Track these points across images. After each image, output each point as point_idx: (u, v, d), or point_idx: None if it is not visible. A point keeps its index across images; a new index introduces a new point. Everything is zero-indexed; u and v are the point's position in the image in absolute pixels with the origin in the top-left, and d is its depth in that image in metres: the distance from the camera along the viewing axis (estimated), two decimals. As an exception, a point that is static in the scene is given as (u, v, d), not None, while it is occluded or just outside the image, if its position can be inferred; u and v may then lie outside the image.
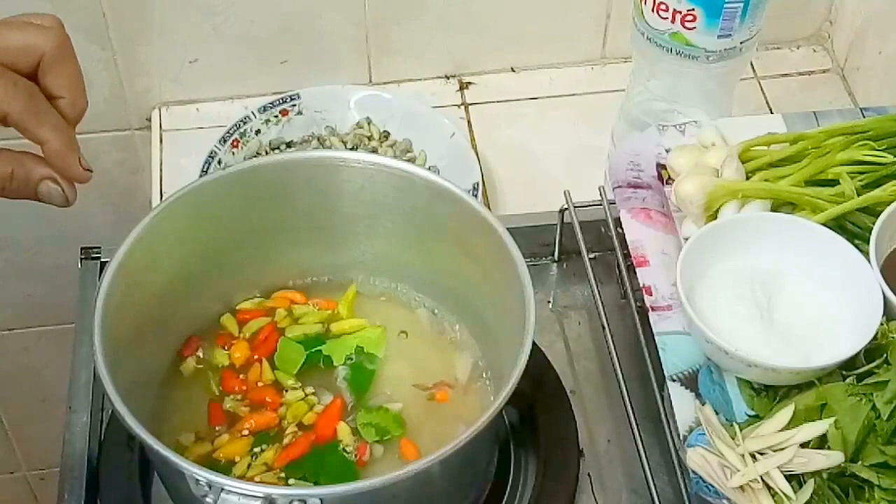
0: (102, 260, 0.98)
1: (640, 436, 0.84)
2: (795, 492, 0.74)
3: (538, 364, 0.91)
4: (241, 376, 0.86)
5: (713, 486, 0.76)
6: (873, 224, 0.84)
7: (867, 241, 0.83)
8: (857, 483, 0.75)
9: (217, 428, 0.83)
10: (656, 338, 0.84)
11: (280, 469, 0.80)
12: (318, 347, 0.87)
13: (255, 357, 0.87)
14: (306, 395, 0.85)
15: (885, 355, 0.78)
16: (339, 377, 0.86)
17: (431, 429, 0.84)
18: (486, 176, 1.10)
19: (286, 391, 0.85)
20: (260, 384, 0.85)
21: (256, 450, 0.82)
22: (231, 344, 0.87)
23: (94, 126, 1.18)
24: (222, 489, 0.68)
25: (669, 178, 0.93)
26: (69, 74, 0.66)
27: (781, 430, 0.77)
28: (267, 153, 1.10)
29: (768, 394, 0.80)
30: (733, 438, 0.78)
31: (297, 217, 0.88)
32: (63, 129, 0.66)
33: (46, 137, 0.66)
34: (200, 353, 0.87)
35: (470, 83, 1.21)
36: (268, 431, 0.83)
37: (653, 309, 0.85)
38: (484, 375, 0.87)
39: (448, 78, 1.22)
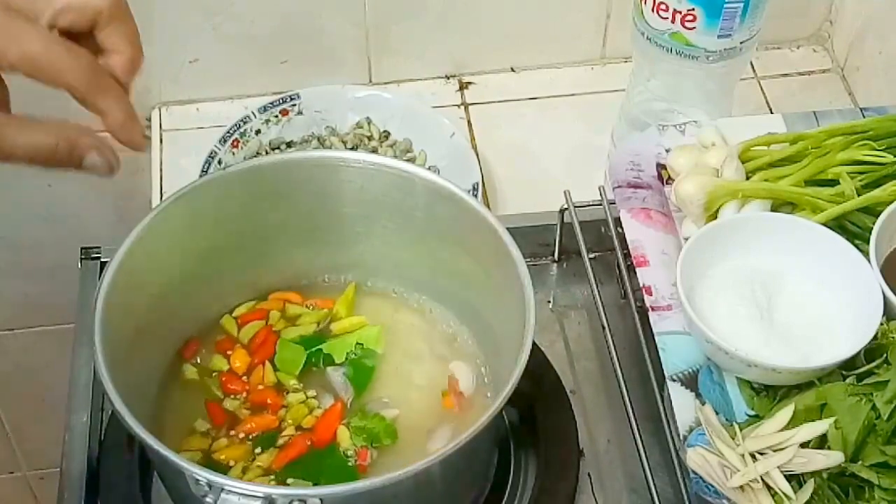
0: (102, 260, 0.98)
1: (640, 436, 0.84)
2: (795, 492, 0.74)
3: (538, 364, 0.91)
4: (244, 378, 0.86)
5: (713, 486, 0.76)
6: (873, 224, 0.84)
7: (867, 241, 0.83)
8: (857, 483, 0.75)
9: (217, 427, 0.83)
10: (656, 338, 0.84)
11: (278, 470, 0.80)
12: (319, 346, 0.87)
13: (256, 361, 0.87)
14: (307, 398, 0.85)
15: (885, 355, 0.78)
16: (339, 374, 0.86)
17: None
18: (486, 176, 1.10)
19: (287, 392, 0.85)
20: (261, 387, 0.85)
21: (256, 451, 0.82)
22: (230, 352, 0.87)
23: (94, 126, 1.17)
24: (222, 489, 0.68)
25: (669, 178, 0.93)
26: (127, 31, 0.67)
27: (781, 430, 0.77)
28: (267, 153, 1.10)
29: (768, 394, 0.80)
30: (733, 438, 0.78)
31: (297, 217, 0.88)
32: (123, 98, 0.67)
33: (109, 108, 0.66)
34: (198, 360, 0.87)
35: (470, 83, 1.21)
36: (267, 434, 0.83)
37: (653, 309, 0.85)
38: (484, 375, 0.87)
39: (448, 78, 1.22)
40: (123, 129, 0.66)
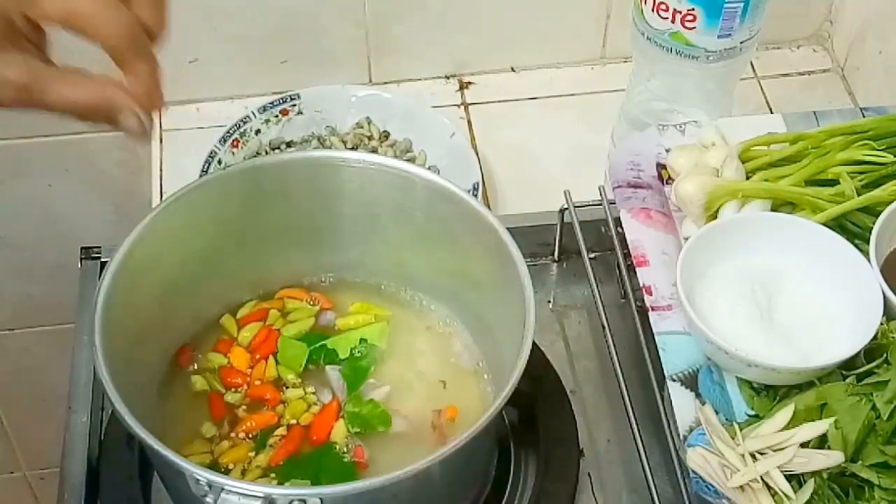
0: (102, 260, 0.98)
1: (640, 436, 0.84)
2: (795, 492, 0.74)
3: (538, 364, 0.91)
4: (247, 370, 0.86)
5: (713, 486, 0.76)
6: (873, 224, 0.84)
7: (867, 241, 0.83)
8: (857, 483, 0.75)
9: (218, 424, 0.83)
10: (656, 338, 0.84)
11: (276, 467, 0.80)
12: (323, 343, 0.87)
13: (259, 357, 0.87)
14: (306, 394, 0.85)
15: (885, 355, 0.78)
16: (336, 372, 0.86)
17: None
18: (486, 176, 1.10)
19: (286, 387, 0.85)
20: (258, 382, 0.86)
21: (251, 454, 0.82)
22: (229, 353, 0.87)
23: (94, 126, 1.17)
24: (222, 489, 0.68)
25: (669, 177, 0.93)
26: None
27: (781, 430, 0.77)
28: (267, 153, 1.10)
29: (768, 394, 0.80)
30: (733, 438, 0.78)
31: (298, 217, 0.88)
32: (155, 64, 0.66)
33: (140, 71, 0.66)
34: (198, 359, 0.87)
35: (470, 83, 1.21)
36: (266, 431, 0.83)
37: (653, 309, 0.85)
38: (484, 376, 0.87)
39: (448, 78, 1.22)
40: (149, 95, 0.66)
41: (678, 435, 0.80)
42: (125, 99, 0.66)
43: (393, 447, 0.83)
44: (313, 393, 0.85)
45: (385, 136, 1.12)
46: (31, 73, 0.64)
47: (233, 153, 1.09)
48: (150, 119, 0.67)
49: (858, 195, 0.87)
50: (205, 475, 0.68)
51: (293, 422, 0.83)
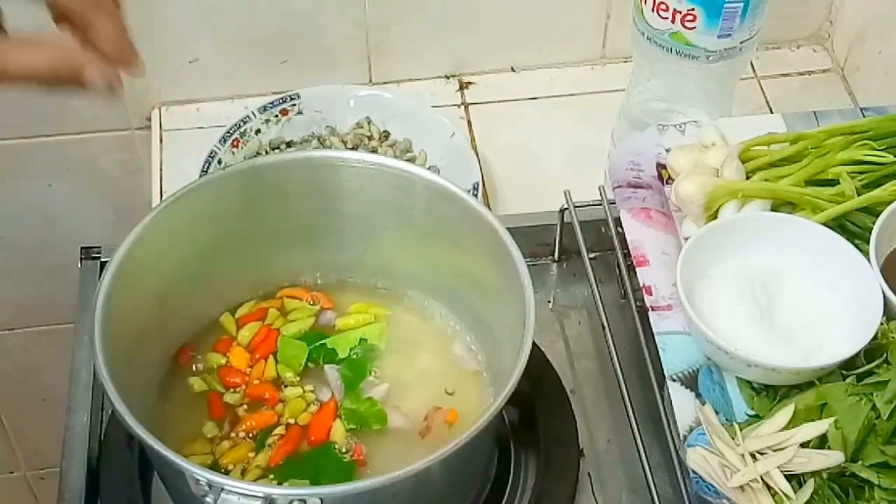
0: (102, 260, 0.98)
1: (640, 436, 0.84)
2: (795, 492, 0.74)
3: (538, 364, 0.91)
4: (248, 369, 0.86)
5: (713, 486, 0.76)
6: (873, 224, 0.84)
7: (867, 241, 0.83)
8: (857, 483, 0.75)
9: (219, 423, 0.83)
10: (656, 338, 0.84)
11: (275, 467, 0.80)
12: (323, 342, 0.87)
13: (259, 357, 0.87)
14: (304, 392, 0.85)
15: (885, 355, 0.78)
16: (335, 371, 0.86)
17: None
18: (486, 176, 1.10)
19: (285, 386, 0.85)
20: (257, 382, 0.86)
21: (251, 454, 0.82)
22: (228, 353, 0.87)
23: (94, 126, 1.18)
24: (222, 489, 0.68)
25: (669, 177, 0.93)
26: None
27: (781, 430, 0.77)
28: (267, 153, 1.10)
29: (768, 394, 0.80)
30: (733, 438, 0.78)
31: (298, 217, 0.88)
32: (115, 13, 0.66)
33: (99, 21, 0.65)
34: (198, 359, 0.87)
35: (470, 83, 1.21)
36: (266, 430, 0.83)
37: (653, 309, 0.85)
38: (484, 375, 0.87)
39: (448, 78, 1.22)
40: (114, 43, 0.65)
41: (678, 435, 0.80)
42: (88, 56, 0.65)
43: (391, 446, 0.83)
44: (312, 391, 0.85)
45: (385, 136, 1.12)
46: None
47: (233, 153, 1.09)
48: (118, 76, 0.66)
49: (858, 195, 0.87)
50: (205, 475, 0.68)
51: (291, 421, 0.83)
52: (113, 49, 0.66)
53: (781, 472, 0.75)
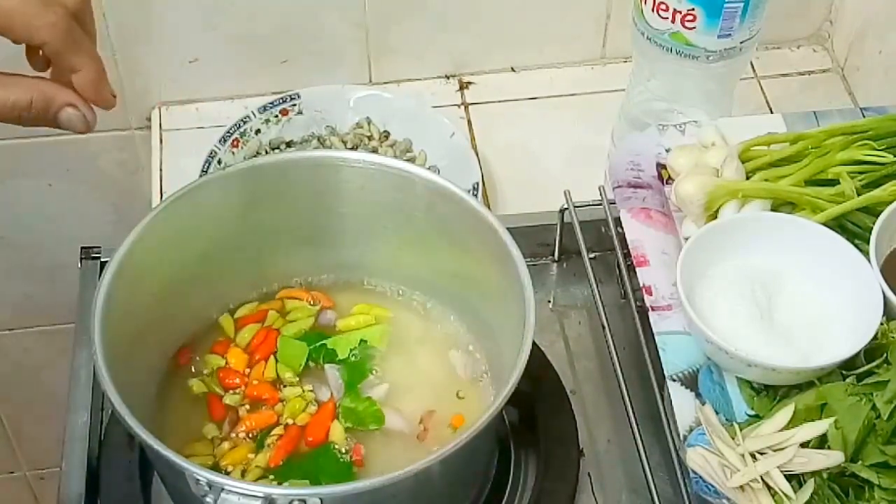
0: (102, 260, 0.98)
1: (640, 436, 0.84)
2: (795, 492, 0.74)
3: (538, 364, 0.91)
4: (247, 370, 0.86)
5: (713, 486, 0.76)
6: (873, 224, 0.84)
7: (867, 241, 0.83)
8: (857, 483, 0.75)
9: (219, 423, 0.83)
10: (656, 338, 0.84)
11: (275, 467, 0.80)
12: (323, 342, 0.87)
13: (258, 358, 0.87)
14: (304, 391, 0.85)
15: (885, 355, 0.78)
16: (335, 371, 0.86)
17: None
18: (486, 176, 1.10)
19: (284, 386, 0.85)
20: (256, 382, 0.85)
21: (251, 455, 0.82)
22: (226, 354, 0.87)
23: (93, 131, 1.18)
24: (222, 489, 0.68)
25: (669, 177, 0.93)
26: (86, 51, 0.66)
27: (781, 430, 0.77)
28: (267, 153, 1.10)
29: (768, 394, 0.80)
30: (733, 438, 0.78)
31: (297, 217, 0.88)
32: (95, 55, 0.66)
33: (82, 64, 0.65)
34: (197, 360, 0.87)
35: (470, 83, 1.21)
36: (266, 430, 0.83)
37: (653, 309, 0.85)
38: (484, 375, 0.87)
39: (448, 78, 1.22)
40: (94, 86, 0.65)
41: (678, 435, 0.80)
42: (63, 94, 0.65)
43: (391, 446, 0.83)
44: (311, 391, 0.85)
45: (385, 136, 1.12)
46: None
47: (233, 153, 1.09)
48: (93, 113, 0.66)
49: (858, 195, 0.87)
50: (205, 475, 0.68)
51: (290, 421, 0.83)
52: (92, 91, 0.66)
53: (781, 472, 0.75)
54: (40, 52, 0.68)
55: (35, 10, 0.62)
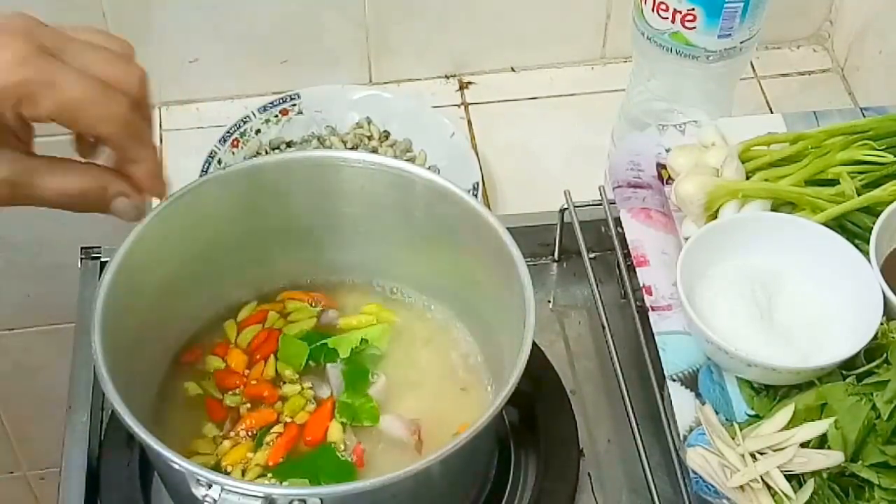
0: (102, 260, 0.98)
1: (640, 436, 0.84)
2: (795, 492, 0.74)
3: (538, 364, 0.91)
4: (246, 371, 0.86)
5: (713, 486, 0.76)
6: (873, 224, 0.84)
7: (867, 241, 0.83)
8: (857, 483, 0.75)
9: (219, 424, 0.83)
10: (656, 338, 0.84)
11: (274, 466, 0.80)
12: (324, 342, 0.87)
13: (259, 358, 0.87)
14: (303, 389, 0.85)
15: (885, 355, 0.78)
16: (336, 371, 0.86)
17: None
18: (486, 176, 1.10)
19: (284, 384, 0.85)
20: (255, 382, 0.85)
21: (250, 454, 0.82)
22: (226, 355, 0.87)
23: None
24: (222, 489, 0.68)
25: (669, 177, 0.93)
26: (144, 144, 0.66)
27: (781, 430, 0.77)
28: (267, 153, 1.10)
29: (768, 394, 0.80)
30: (733, 438, 0.78)
31: (298, 217, 0.88)
32: (155, 149, 0.65)
33: (142, 158, 0.64)
34: (197, 368, 0.87)
35: (470, 83, 1.21)
36: (266, 429, 0.83)
37: (653, 309, 0.85)
38: (484, 375, 0.87)
39: (448, 78, 1.22)
40: (152, 178, 0.65)
41: (678, 435, 0.80)
42: (117, 183, 0.65)
43: (391, 446, 0.83)
44: (311, 389, 0.85)
45: (385, 136, 1.12)
46: (20, 168, 0.63)
47: (233, 153, 1.09)
48: (144, 203, 0.66)
49: (858, 195, 0.87)
50: (205, 475, 0.68)
51: (289, 419, 0.83)
52: (149, 183, 0.65)
53: (781, 472, 0.75)
54: (91, 140, 0.67)
55: (100, 99, 0.61)
